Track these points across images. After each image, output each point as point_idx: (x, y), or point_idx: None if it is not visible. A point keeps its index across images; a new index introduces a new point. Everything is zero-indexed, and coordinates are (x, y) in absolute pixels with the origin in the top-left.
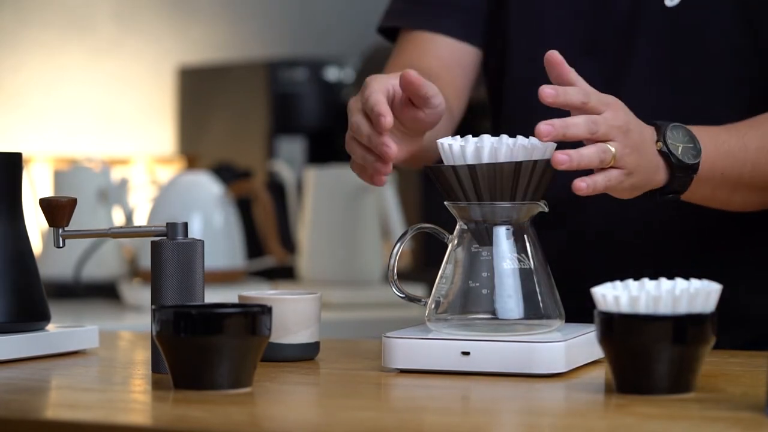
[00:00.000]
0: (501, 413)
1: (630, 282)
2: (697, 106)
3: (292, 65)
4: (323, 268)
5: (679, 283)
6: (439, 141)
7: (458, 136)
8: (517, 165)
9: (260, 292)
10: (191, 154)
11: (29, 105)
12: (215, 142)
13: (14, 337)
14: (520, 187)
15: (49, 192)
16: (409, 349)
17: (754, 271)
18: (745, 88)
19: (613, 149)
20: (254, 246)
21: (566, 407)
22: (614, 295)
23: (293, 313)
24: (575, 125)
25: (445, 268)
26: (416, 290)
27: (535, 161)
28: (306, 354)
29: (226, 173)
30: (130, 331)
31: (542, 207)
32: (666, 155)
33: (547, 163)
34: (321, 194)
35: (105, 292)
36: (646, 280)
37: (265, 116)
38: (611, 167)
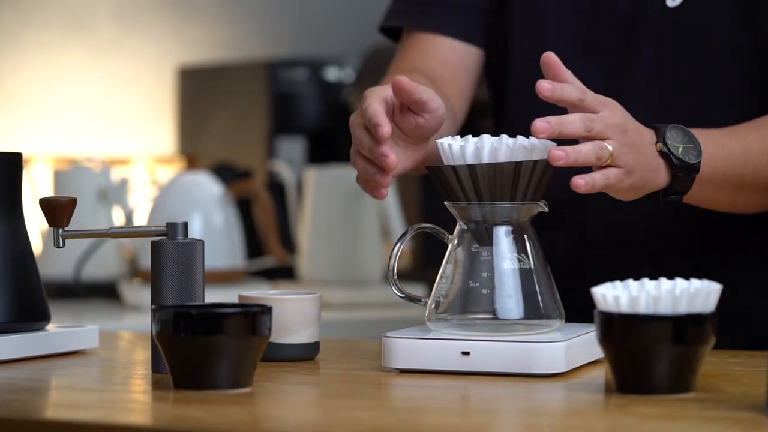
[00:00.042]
0: (501, 413)
1: (630, 282)
2: (699, 106)
3: (292, 65)
4: (323, 268)
5: (679, 283)
6: (439, 141)
7: (458, 136)
8: (517, 165)
9: (260, 292)
10: (191, 154)
11: (29, 105)
12: (215, 142)
13: (14, 337)
14: (520, 187)
15: (49, 192)
16: (409, 349)
17: (756, 273)
18: (746, 88)
19: (610, 147)
20: (254, 246)
21: (566, 407)
22: (614, 295)
23: (293, 313)
24: (571, 122)
25: (445, 268)
26: (416, 290)
27: (536, 161)
28: (306, 354)
29: (226, 173)
30: (130, 331)
31: (542, 207)
32: (666, 156)
33: (548, 163)
34: (321, 194)
35: (105, 292)
36: (646, 280)
37: (265, 116)
38: (610, 166)
